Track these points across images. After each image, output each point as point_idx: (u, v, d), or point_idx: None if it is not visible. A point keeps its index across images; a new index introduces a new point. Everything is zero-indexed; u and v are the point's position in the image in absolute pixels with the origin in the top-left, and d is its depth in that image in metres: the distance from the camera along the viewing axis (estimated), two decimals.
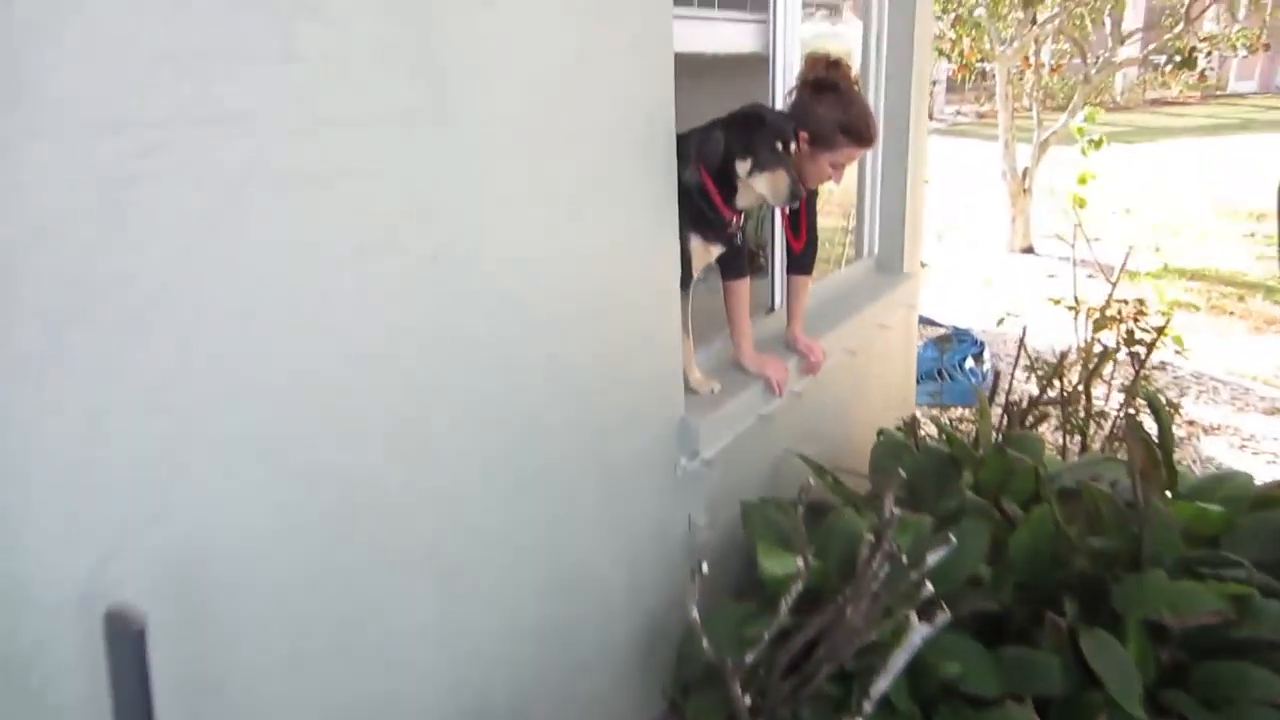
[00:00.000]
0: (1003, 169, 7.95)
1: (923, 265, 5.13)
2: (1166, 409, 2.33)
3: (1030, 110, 8.56)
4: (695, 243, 2.19)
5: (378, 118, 1.29)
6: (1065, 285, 6.85)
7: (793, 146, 2.13)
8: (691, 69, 2.89)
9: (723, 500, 2.41)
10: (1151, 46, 8.02)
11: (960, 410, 4.28)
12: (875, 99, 3.35)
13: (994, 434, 2.68)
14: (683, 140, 2.09)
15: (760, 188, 2.08)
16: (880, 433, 3.00)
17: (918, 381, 4.12)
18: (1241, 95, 21.69)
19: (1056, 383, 2.99)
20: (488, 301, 1.55)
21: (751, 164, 2.05)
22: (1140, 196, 9.82)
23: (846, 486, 2.61)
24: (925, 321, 5.25)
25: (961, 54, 8.52)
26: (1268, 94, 21.70)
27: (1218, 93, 21.44)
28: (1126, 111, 18.66)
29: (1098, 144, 4.13)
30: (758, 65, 2.67)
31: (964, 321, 5.82)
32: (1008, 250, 8.08)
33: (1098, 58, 8.41)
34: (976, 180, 11.50)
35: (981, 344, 5.05)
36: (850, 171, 3.58)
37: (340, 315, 1.30)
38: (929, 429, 4.07)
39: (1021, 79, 8.06)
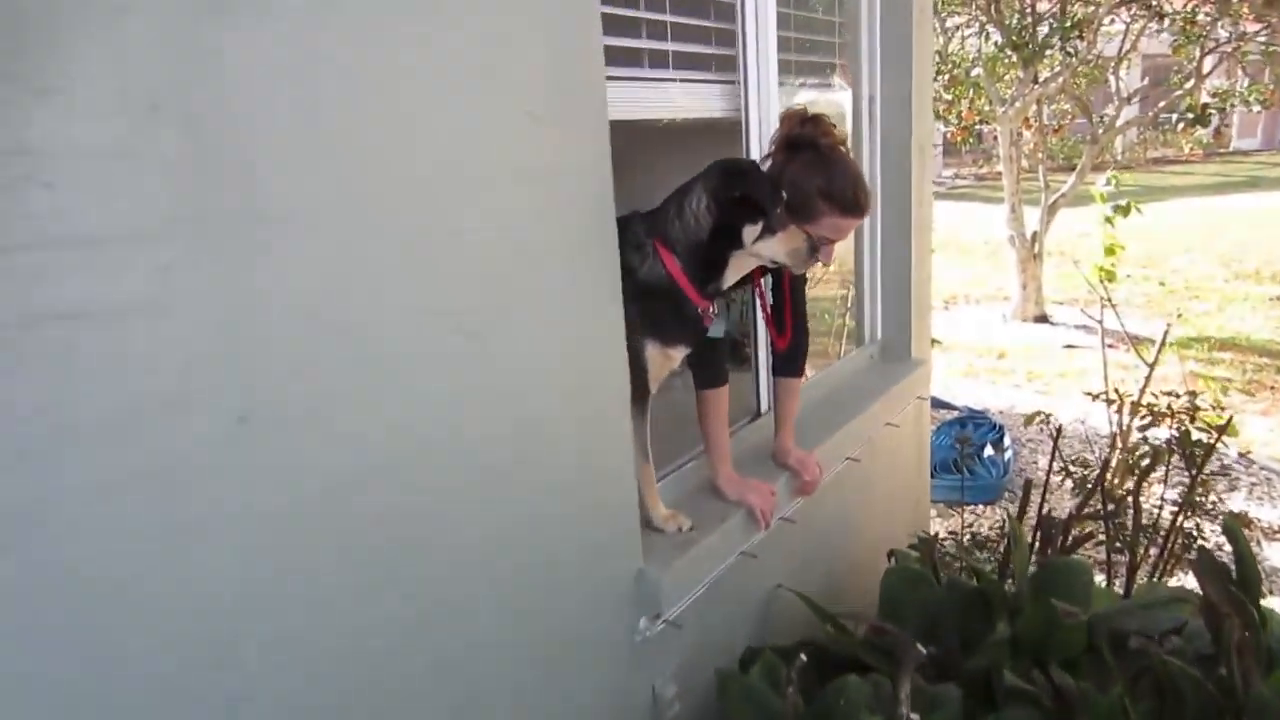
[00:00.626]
0: (1010, 234, 7.57)
1: (934, 343, 4.72)
2: (1244, 535, 1.87)
3: (1034, 172, 8.24)
4: (652, 350, 1.77)
5: (148, 230, 0.89)
6: (1085, 358, 6.46)
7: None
8: (649, 138, 2.50)
9: (698, 662, 1.95)
10: (1161, 104, 7.73)
11: (982, 508, 3.80)
12: (871, 168, 2.97)
13: (1029, 559, 2.22)
14: (625, 225, 1.69)
15: (771, 253, 1.72)
16: (892, 555, 2.54)
17: (932, 475, 3.66)
18: (1245, 152, 21.51)
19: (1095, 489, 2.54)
20: (339, 463, 1.12)
21: (762, 228, 1.68)
22: (1152, 259, 9.44)
23: (852, 634, 2.14)
24: (937, 404, 4.80)
25: (959, 116, 8.24)
26: (1272, 150, 21.52)
27: (1220, 150, 21.28)
28: (1129, 171, 18.41)
29: (1125, 210, 3.73)
30: (730, 132, 2.29)
31: (978, 401, 5.37)
32: (1019, 319, 7.66)
33: (1102, 117, 8.13)
34: (981, 245, 11.17)
35: (1000, 428, 4.59)
36: (847, 246, 3.22)
37: (94, 514, 0.87)
38: (944, 528, 3.61)
39: (1019, 140, 7.74)
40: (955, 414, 4.86)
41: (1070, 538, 2.51)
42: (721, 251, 1.71)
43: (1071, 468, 2.61)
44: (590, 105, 1.46)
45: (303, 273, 1.05)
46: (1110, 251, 3.60)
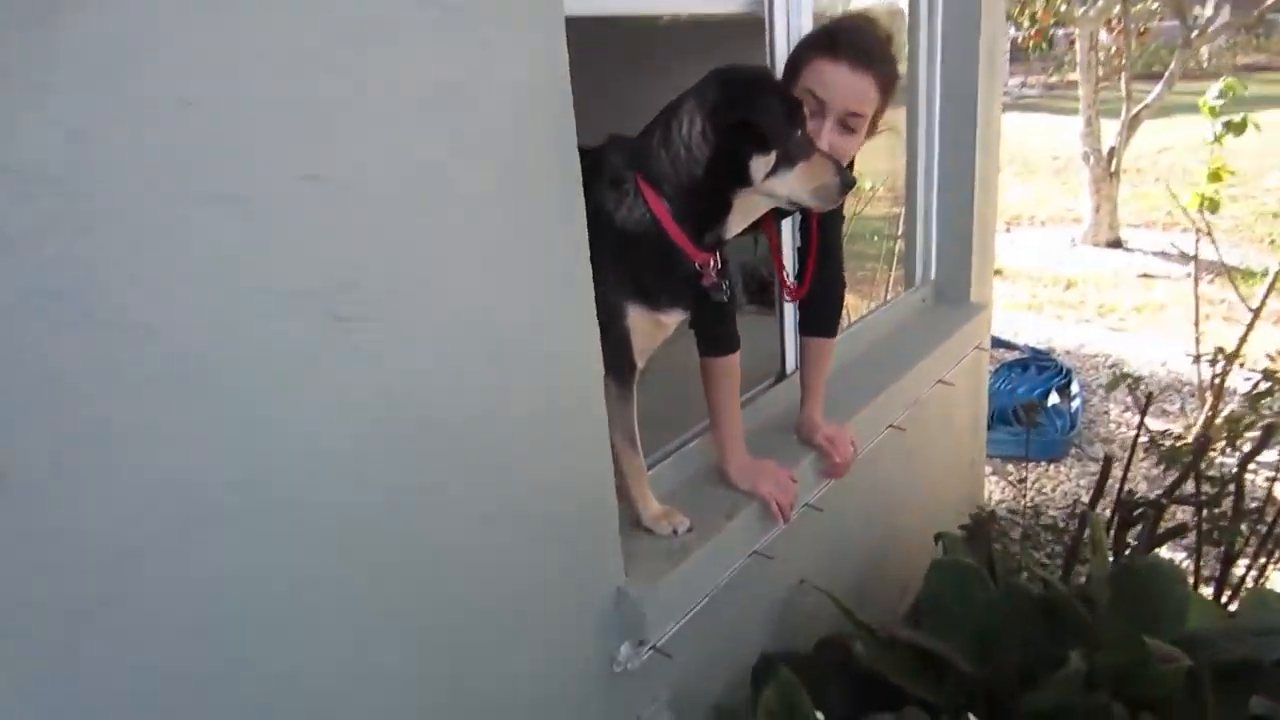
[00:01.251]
0: (1085, 150, 6.89)
1: (995, 273, 4.23)
2: None
3: (1108, 80, 7.45)
4: (635, 315, 1.40)
5: None
6: (1163, 288, 5.85)
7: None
8: (647, 41, 2.08)
9: (702, 678, 1.64)
10: (1268, 3, 6.86)
11: (1045, 465, 3.39)
12: (929, 76, 2.49)
13: (1108, 558, 1.83)
14: (599, 155, 1.30)
15: (789, 190, 1.32)
16: (939, 539, 2.17)
17: (990, 427, 3.26)
18: None
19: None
20: (139, 525, 0.78)
21: (776, 158, 1.28)
22: (1243, 177, 8.59)
23: (882, 641, 1.79)
24: (996, 343, 4.34)
25: (1034, 17, 7.46)
26: None
27: None
28: (1216, 79, 17.01)
29: (1240, 128, 3.16)
30: (752, 33, 1.85)
31: (1042, 338, 4.88)
32: (1090, 243, 7.03)
33: (1195, 18, 7.28)
34: (1049, 160, 10.37)
35: (1068, 372, 4.12)
36: (893, 164, 2.75)
37: None
38: (1001, 492, 3.22)
39: (1098, 45, 6.93)
40: (1016, 355, 4.40)
41: (1157, 527, 2.11)
42: (722, 191, 1.32)
43: (1159, 439, 2.19)
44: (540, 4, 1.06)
45: (61, 253, 0.69)
46: (1216, 176, 3.06)
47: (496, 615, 1.20)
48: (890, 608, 2.37)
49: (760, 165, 1.28)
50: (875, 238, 3.13)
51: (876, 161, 2.84)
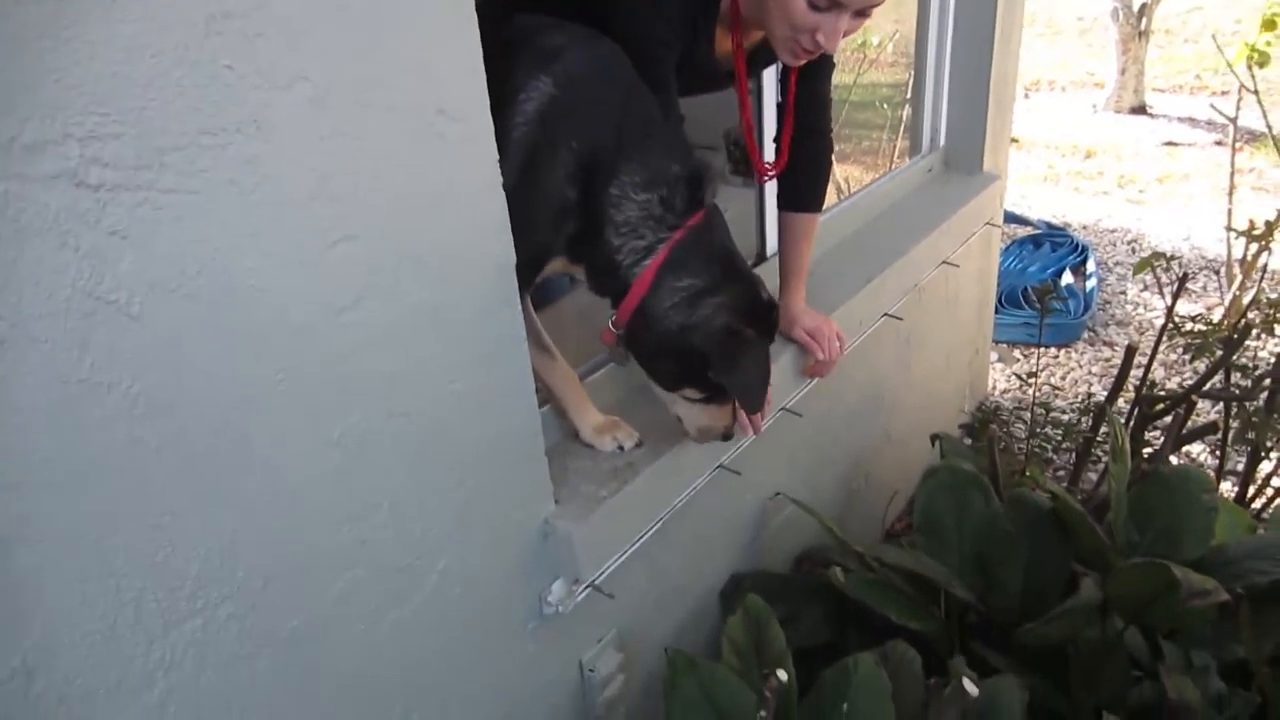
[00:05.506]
0: (1114, 6, 6.32)
1: (1013, 142, 3.85)
2: None
3: None
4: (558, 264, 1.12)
5: None
6: (1187, 157, 5.45)
7: None
8: None
9: (654, 619, 1.44)
10: None
11: (1057, 353, 3.13)
12: None
13: (1128, 465, 1.59)
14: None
15: (687, 416, 1.29)
16: (936, 440, 1.95)
17: (997, 309, 2.99)
18: None
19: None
20: None
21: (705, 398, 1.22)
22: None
23: (867, 563, 1.57)
24: (1008, 219, 4.01)
25: None
26: None
27: None
28: None
29: None
30: None
31: (1058, 212, 4.53)
32: (1113, 109, 6.54)
33: None
34: (1074, 20, 9.67)
35: (1084, 249, 3.80)
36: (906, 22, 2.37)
37: None
38: (1003, 377, 2.98)
39: None
40: (1029, 230, 4.06)
41: (1185, 424, 1.87)
42: None
43: (1189, 324, 1.92)
44: None
45: None
46: (1270, 24, 2.67)
47: (389, 552, 0.97)
48: (880, 518, 2.17)
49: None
50: (883, 105, 2.78)
51: (885, 17, 2.46)
